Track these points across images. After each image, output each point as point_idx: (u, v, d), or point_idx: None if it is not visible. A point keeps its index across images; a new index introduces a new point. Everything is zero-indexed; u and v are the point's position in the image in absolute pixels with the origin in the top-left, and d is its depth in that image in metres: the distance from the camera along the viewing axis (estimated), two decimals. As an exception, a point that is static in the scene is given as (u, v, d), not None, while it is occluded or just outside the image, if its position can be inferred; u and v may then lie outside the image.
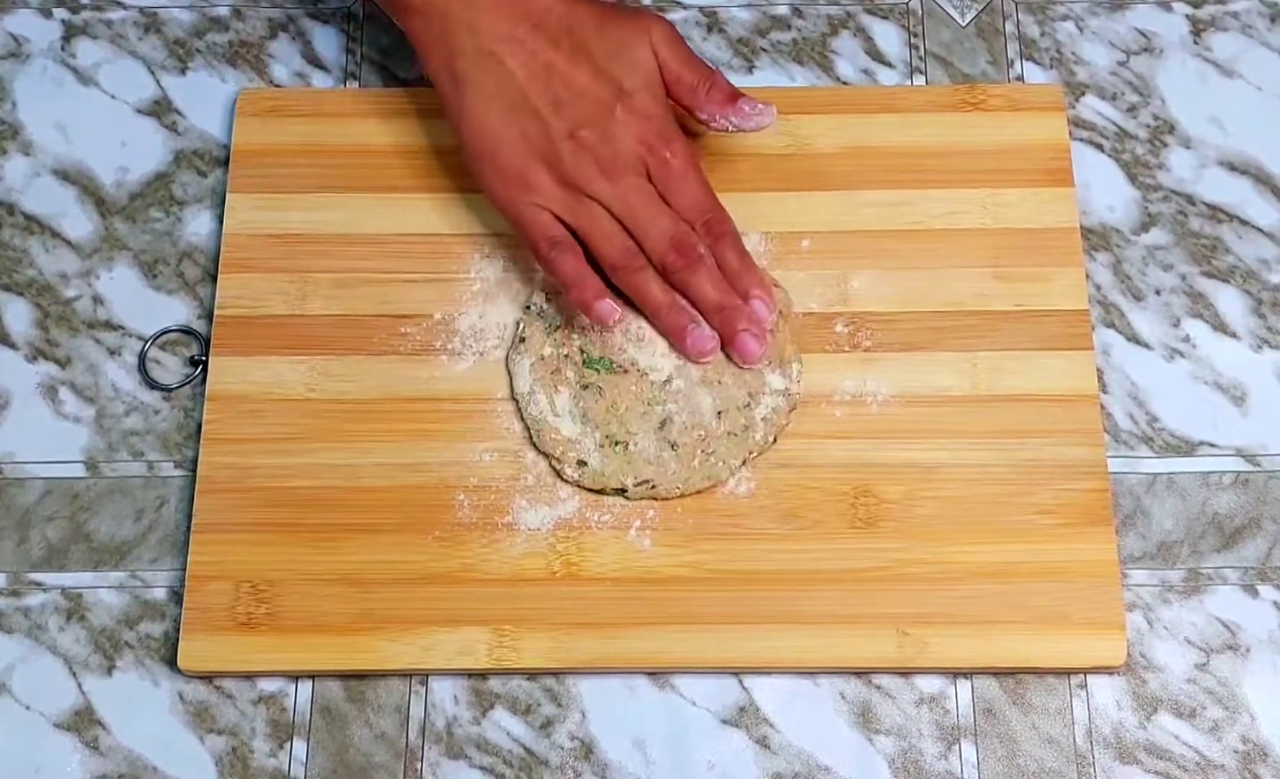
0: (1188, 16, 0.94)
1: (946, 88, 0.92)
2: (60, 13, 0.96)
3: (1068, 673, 0.80)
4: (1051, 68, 0.93)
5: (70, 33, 0.96)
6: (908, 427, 0.83)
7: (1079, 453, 0.82)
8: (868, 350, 0.85)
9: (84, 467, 0.85)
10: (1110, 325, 0.87)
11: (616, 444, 0.82)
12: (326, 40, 0.95)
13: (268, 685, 0.81)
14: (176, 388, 0.87)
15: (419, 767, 0.79)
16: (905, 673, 0.80)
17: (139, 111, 0.94)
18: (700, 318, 0.83)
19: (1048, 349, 0.84)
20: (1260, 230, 0.89)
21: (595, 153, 0.82)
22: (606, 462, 0.82)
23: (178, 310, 0.89)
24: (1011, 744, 0.79)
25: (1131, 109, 0.92)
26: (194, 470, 0.84)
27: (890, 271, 0.86)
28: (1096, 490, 0.81)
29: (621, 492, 0.82)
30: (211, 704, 0.81)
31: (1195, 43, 0.94)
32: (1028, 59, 0.94)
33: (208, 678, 0.81)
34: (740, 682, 0.81)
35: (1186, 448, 0.85)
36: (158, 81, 0.94)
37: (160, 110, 0.94)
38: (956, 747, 0.79)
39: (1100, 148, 0.91)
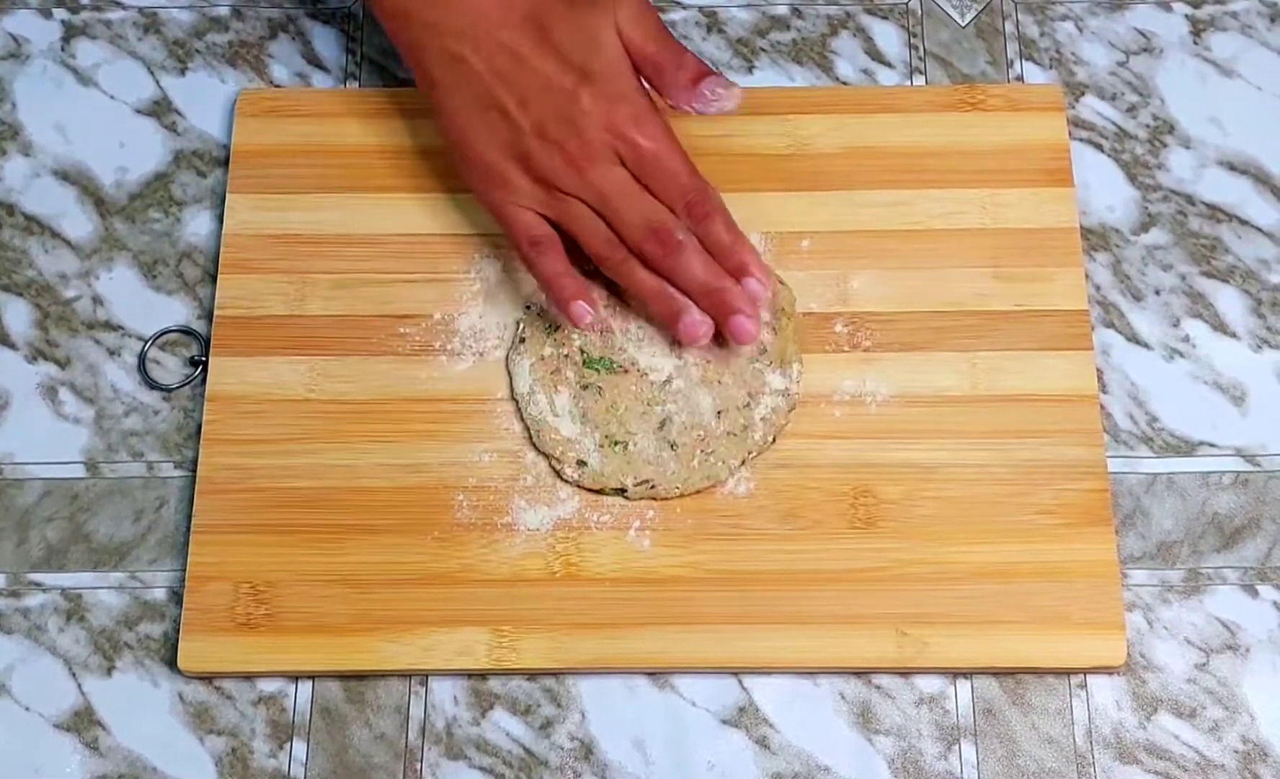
0: (1187, 16, 0.94)
1: (946, 88, 0.92)
2: (60, 13, 0.96)
3: (1068, 673, 0.80)
4: (1051, 68, 0.93)
5: (70, 33, 0.96)
6: (907, 427, 0.83)
7: (1079, 453, 0.82)
8: (867, 350, 0.85)
9: (84, 467, 0.85)
10: (1110, 325, 0.87)
11: (616, 444, 0.82)
12: (326, 40, 0.95)
13: (267, 686, 0.81)
14: (176, 388, 0.87)
15: (419, 767, 0.79)
16: (905, 673, 0.80)
17: (138, 112, 0.94)
18: (690, 303, 0.81)
19: (1047, 349, 0.84)
20: (1260, 230, 0.89)
21: (563, 146, 0.80)
22: (606, 462, 0.82)
23: (178, 311, 0.89)
24: (1011, 744, 0.79)
25: (1131, 109, 0.92)
26: (194, 471, 0.84)
27: (890, 271, 0.86)
28: (1096, 490, 0.81)
29: (621, 492, 0.82)
30: (211, 705, 0.81)
31: (1195, 43, 0.94)
32: (1027, 59, 0.94)
33: (207, 678, 0.81)
34: (740, 682, 0.81)
35: (1186, 448, 0.85)
36: (157, 82, 0.94)
37: (160, 110, 0.94)
38: (956, 747, 0.79)
39: (1100, 148, 0.91)
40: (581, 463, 0.82)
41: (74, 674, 0.81)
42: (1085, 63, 0.93)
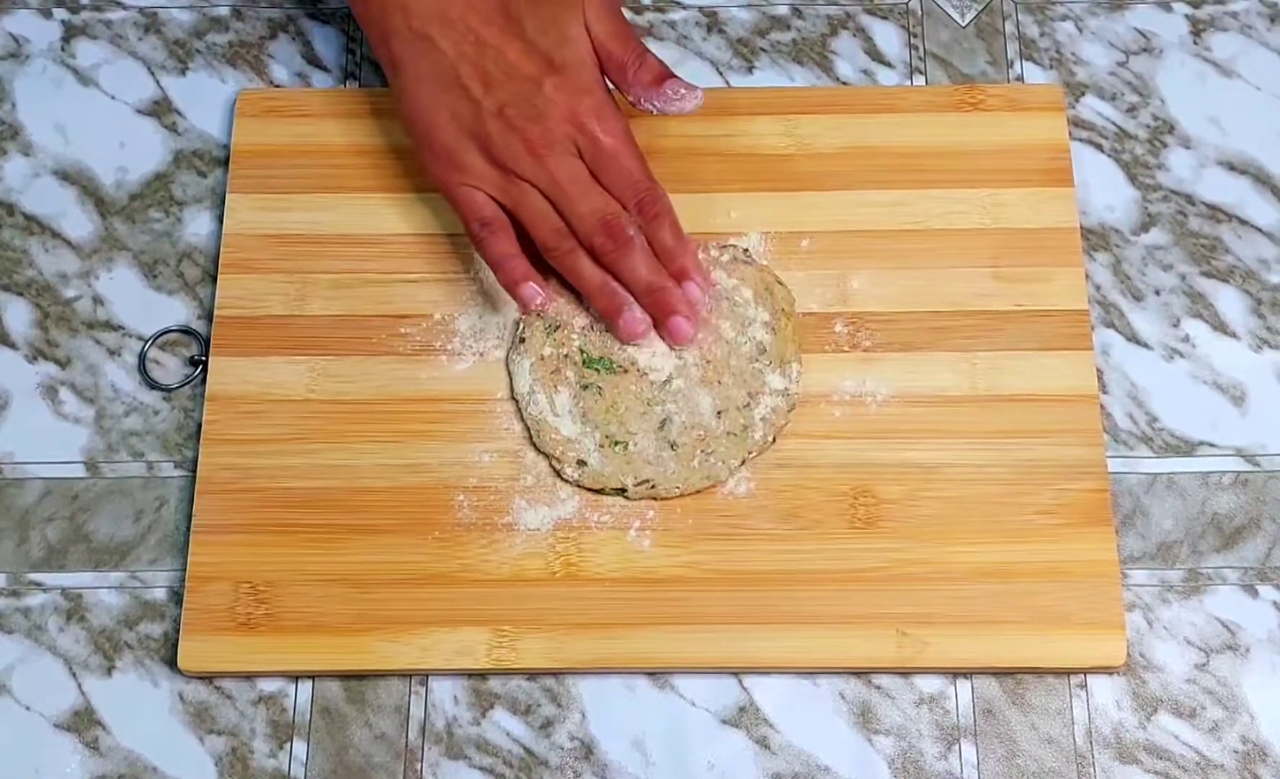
0: (1187, 16, 0.94)
1: (946, 88, 0.92)
2: (60, 13, 0.96)
3: (1068, 673, 0.80)
4: (1051, 68, 0.93)
5: (70, 33, 0.96)
6: (907, 426, 0.83)
7: (1079, 453, 0.82)
8: (867, 350, 0.85)
9: (84, 467, 0.85)
10: (1110, 325, 0.87)
11: (616, 444, 0.82)
12: (326, 40, 0.95)
13: (267, 686, 0.81)
14: (176, 388, 0.87)
15: (419, 767, 0.79)
16: (905, 673, 0.80)
17: (139, 112, 0.94)
18: (632, 300, 0.82)
19: (1047, 349, 0.84)
20: (1260, 230, 0.89)
21: (523, 131, 0.81)
22: (606, 461, 0.82)
23: (178, 310, 0.89)
24: (1011, 744, 0.79)
25: (1131, 109, 0.92)
26: (194, 471, 0.84)
27: (890, 271, 0.86)
28: (1096, 490, 0.81)
29: (621, 491, 0.82)
30: (211, 704, 0.81)
31: (1195, 43, 0.94)
32: (1027, 59, 0.94)
33: (208, 678, 0.81)
34: (740, 682, 0.81)
35: (1186, 448, 0.85)
36: (157, 82, 0.94)
37: (160, 110, 0.94)
38: (956, 747, 0.79)
39: (1100, 148, 0.91)
40: (582, 463, 0.82)
41: (74, 674, 0.81)
42: (1085, 63, 0.93)
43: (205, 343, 0.87)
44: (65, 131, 0.93)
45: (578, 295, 0.85)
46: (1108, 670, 0.80)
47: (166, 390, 0.87)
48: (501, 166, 0.82)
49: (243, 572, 0.81)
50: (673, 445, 0.82)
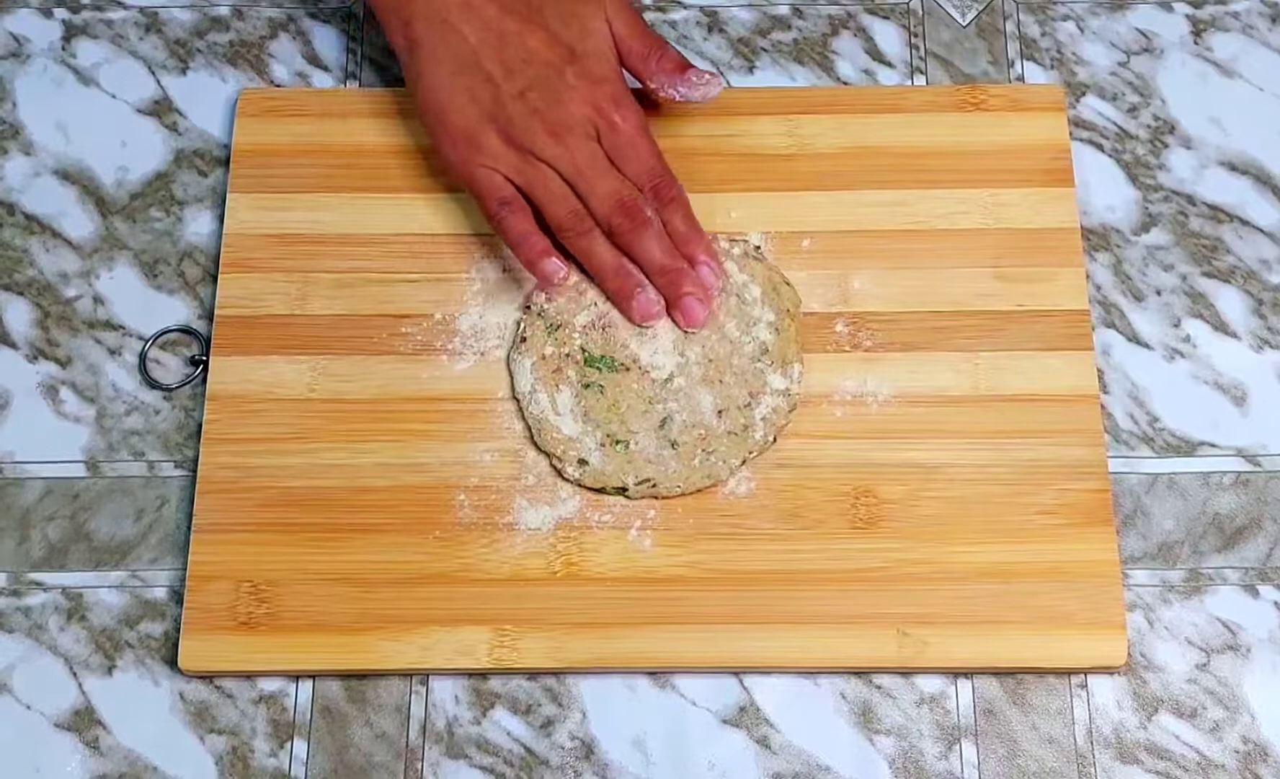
0: (1188, 17, 0.94)
1: (947, 88, 0.92)
2: (60, 13, 0.96)
3: (1068, 673, 0.80)
4: (1052, 68, 0.93)
5: (70, 33, 0.96)
6: (908, 426, 0.83)
7: (1079, 453, 0.82)
8: (868, 350, 0.85)
9: (84, 466, 0.85)
10: (1110, 325, 0.87)
11: (618, 443, 0.82)
12: (326, 40, 0.95)
13: (268, 685, 0.81)
14: (177, 388, 0.87)
15: (419, 767, 0.79)
16: (905, 673, 0.80)
17: (139, 111, 0.94)
18: (646, 281, 0.83)
19: (1048, 349, 0.84)
20: (1260, 230, 0.89)
21: (544, 114, 0.82)
22: (607, 460, 0.82)
23: (178, 310, 0.89)
24: (1012, 744, 0.79)
25: (1132, 109, 0.92)
26: (194, 470, 0.84)
27: (891, 271, 0.86)
28: (1097, 490, 0.81)
29: (622, 491, 0.82)
30: (211, 704, 0.81)
31: (1195, 43, 0.94)
32: (1028, 59, 0.94)
33: (208, 678, 0.81)
34: (740, 682, 0.81)
35: (1187, 448, 0.85)
36: (158, 81, 0.94)
37: (160, 110, 0.94)
38: (957, 747, 0.79)
39: (1100, 148, 0.91)
40: (583, 462, 0.82)
41: (74, 673, 0.81)
42: (1086, 63, 0.93)
43: (206, 342, 0.87)
44: (66, 131, 0.93)
45: (580, 291, 0.85)
46: (1108, 670, 0.80)
47: (167, 390, 0.87)
48: (520, 148, 0.83)
49: (243, 571, 0.81)
50: (673, 444, 0.82)
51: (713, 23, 0.95)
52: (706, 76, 0.85)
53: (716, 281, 0.84)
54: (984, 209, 0.88)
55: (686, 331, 0.84)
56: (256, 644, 0.80)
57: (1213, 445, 0.85)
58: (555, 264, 0.83)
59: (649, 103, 0.87)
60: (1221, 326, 0.87)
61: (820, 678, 0.80)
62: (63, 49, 0.95)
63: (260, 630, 0.80)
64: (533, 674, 0.81)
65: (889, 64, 0.94)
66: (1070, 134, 0.90)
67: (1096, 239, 0.89)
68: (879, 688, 0.80)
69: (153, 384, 0.87)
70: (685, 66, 0.85)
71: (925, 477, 0.82)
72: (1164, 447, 0.85)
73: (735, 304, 0.85)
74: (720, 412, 0.83)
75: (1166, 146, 0.91)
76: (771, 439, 0.83)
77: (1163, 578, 0.82)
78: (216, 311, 0.86)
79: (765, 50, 0.94)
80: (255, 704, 0.81)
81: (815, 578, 0.80)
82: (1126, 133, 0.92)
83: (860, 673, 0.80)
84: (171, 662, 0.81)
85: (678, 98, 0.85)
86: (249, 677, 0.81)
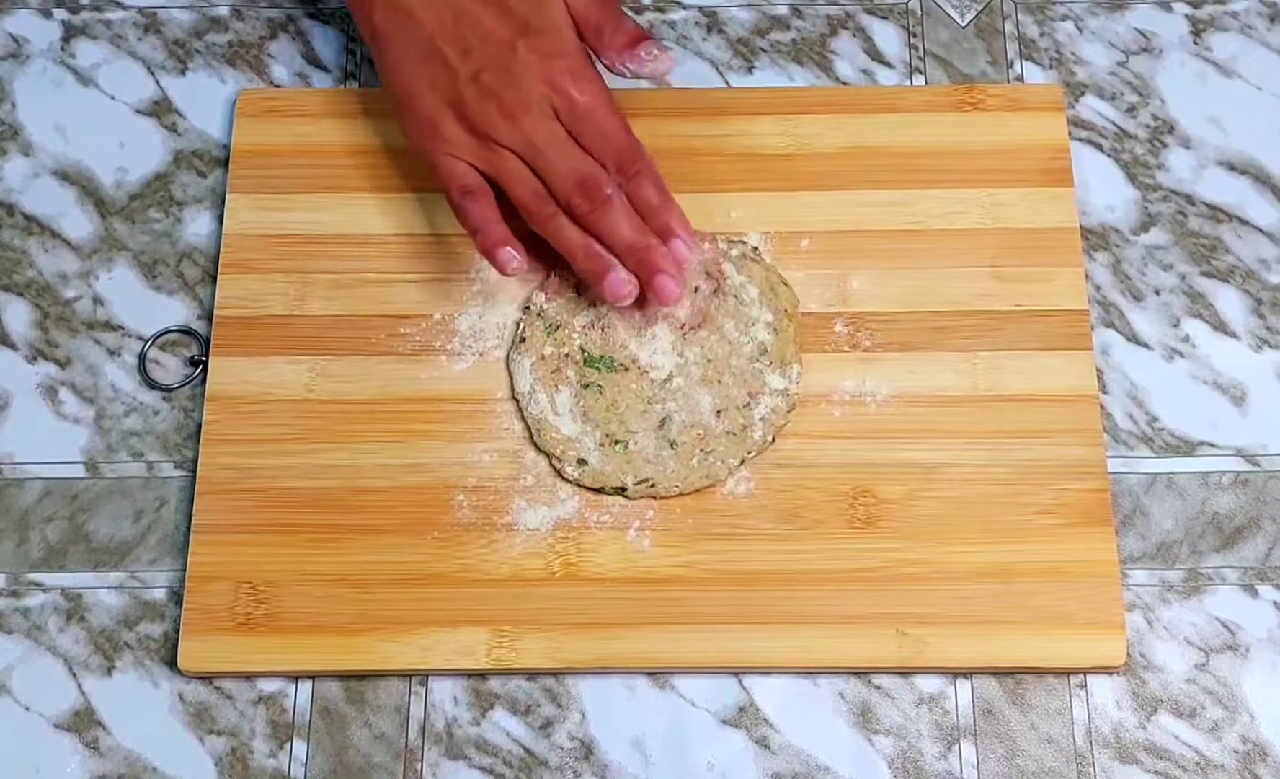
0: (1187, 16, 0.94)
1: (946, 88, 0.92)
2: (60, 13, 0.96)
3: (1067, 673, 0.80)
4: (1051, 68, 0.93)
5: (70, 33, 0.96)
6: (907, 426, 0.83)
7: (1079, 453, 0.82)
8: (867, 350, 0.85)
9: (84, 467, 0.85)
10: (1110, 325, 0.87)
11: (617, 443, 0.82)
12: (326, 40, 0.95)
13: (267, 686, 0.81)
14: (176, 388, 0.87)
15: (419, 767, 0.79)
16: (905, 673, 0.80)
17: (138, 112, 0.94)
18: (616, 262, 0.81)
19: (1047, 349, 0.84)
20: (1260, 230, 0.89)
21: (499, 96, 0.81)
22: (606, 460, 0.82)
23: (178, 310, 0.89)
24: (1011, 744, 0.79)
25: (1131, 109, 0.92)
26: (194, 471, 0.84)
27: (890, 271, 0.86)
28: (1096, 490, 0.81)
29: (621, 490, 0.82)
30: (211, 705, 0.81)
31: (1195, 43, 0.94)
32: (1027, 59, 0.94)
33: (207, 678, 0.81)
34: (740, 682, 0.81)
35: (1186, 448, 0.85)
36: (157, 82, 0.94)
37: (160, 111, 0.94)
38: (956, 747, 0.79)
39: (1100, 148, 0.91)
40: (582, 462, 0.82)
41: (74, 674, 0.81)
42: (1085, 63, 0.93)
43: (205, 343, 0.87)
44: (65, 131, 0.93)
45: (577, 293, 0.85)
46: (1108, 670, 0.80)
47: (166, 390, 0.87)
48: (480, 133, 0.81)
49: (243, 572, 0.81)
50: (672, 444, 0.82)
51: (712, 23, 0.95)
52: (656, 51, 0.82)
53: (689, 255, 0.81)
54: (983, 209, 0.88)
55: (660, 312, 0.83)
56: (256, 645, 0.80)
57: (1212, 445, 0.85)
58: (509, 253, 0.81)
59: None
60: (1221, 326, 0.87)
61: (819, 678, 0.80)
62: (62, 49, 0.95)
63: (259, 631, 0.80)
64: (532, 675, 0.81)
65: (888, 64, 0.94)
66: (1069, 134, 0.90)
67: (1095, 239, 0.89)
68: (878, 688, 0.80)
69: (152, 385, 0.87)
70: (639, 39, 0.82)
71: (924, 477, 0.82)
72: (1163, 446, 0.85)
73: (733, 304, 0.85)
74: (719, 412, 0.83)
75: (1165, 146, 0.91)
76: (770, 439, 0.83)
77: (1162, 578, 0.82)
78: (216, 312, 0.86)
79: (764, 50, 0.94)
80: (254, 705, 0.81)
81: (814, 578, 0.80)
82: (1125, 132, 0.92)
83: (859, 673, 0.80)
84: (171, 662, 0.81)
85: (627, 75, 0.82)
86: (248, 677, 0.81)
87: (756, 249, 0.87)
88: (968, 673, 0.80)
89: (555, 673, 0.81)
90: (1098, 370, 0.85)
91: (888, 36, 0.94)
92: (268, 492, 0.83)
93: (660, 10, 0.96)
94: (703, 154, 0.89)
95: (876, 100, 0.91)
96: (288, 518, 0.82)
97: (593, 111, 0.81)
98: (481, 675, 0.81)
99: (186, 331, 0.88)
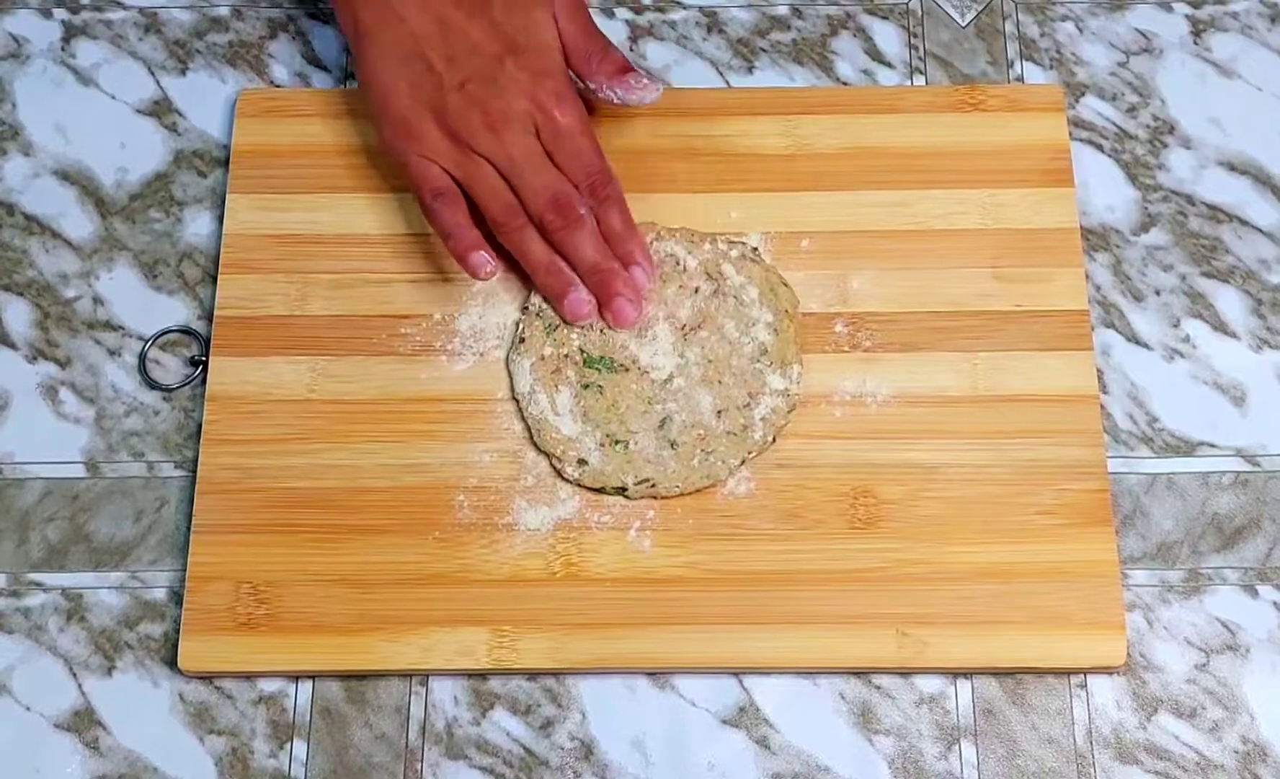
0: (1188, 17, 0.94)
1: (946, 88, 0.92)
2: (60, 13, 0.96)
3: (1068, 673, 0.80)
4: (1051, 68, 0.93)
5: (70, 33, 0.96)
6: (907, 427, 0.83)
7: (1079, 453, 0.82)
8: (867, 350, 0.85)
9: (84, 467, 0.85)
10: (1110, 325, 0.87)
11: (617, 443, 0.82)
12: (326, 40, 0.95)
13: (268, 686, 0.81)
14: (176, 388, 0.87)
15: (419, 767, 0.79)
16: (905, 673, 0.80)
17: (139, 112, 0.94)
18: (578, 281, 0.83)
19: (1047, 349, 0.84)
20: (1260, 230, 0.89)
21: (483, 106, 0.82)
22: (607, 460, 0.82)
23: (178, 311, 0.89)
24: (1011, 744, 0.79)
25: (1131, 109, 0.92)
26: (194, 471, 0.84)
27: (890, 272, 0.86)
28: (1096, 491, 0.81)
29: (622, 491, 0.82)
30: (211, 705, 0.81)
31: (1195, 43, 0.94)
32: (1028, 59, 0.94)
33: (208, 678, 0.81)
34: (740, 682, 0.81)
35: (1186, 448, 0.85)
36: (157, 82, 0.94)
37: (160, 111, 0.94)
38: (956, 747, 0.79)
39: (1100, 148, 0.91)
40: (582, 462, 0.82)
41: (74, 674, 0.81)
42: (1085, 63, 0.93)
43: (205, 343, 0.87)
44: (65, 131, 0.93)
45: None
46: (1108, 670, 0.80)
47: (167, 390, 0.87)
48: (458, 140, 0.82)
49: (243, 572, 0.81)
50: (673, 444, 0.82)
51: (712, 23, 0.95)
52: (644, 81, 0.84)
53: (648, 283, 0.84)
54: (983, 209, 0.88)
55: (660, 313, 0.84)
56: (256, 645, 0.80)
57: (1212, 445, 0.85)
58: (483, 258, 0.82)
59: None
60: (1221, 326, 0.87)
61: (820, 678, 0.81)
62: (62, 49, 0.95)
63: (260, 631, 0.80)
64: (532, 675, 0.81)
65: (888, 64, 0.94)
66: (1069, 134, 0.90)
67: (1096, 239, 0.89)
68: (878, 688, 0.80)
69: (152, 385, 0.87)
70: (626, 69, 0.84)
71: (924, 477, 0.82)
72: (1163, 447, 0.85)
73: (734, 305, 0.85)
74: (719, 412, 0.83)
75: (1166, 147, 0.91)
76: (770, 439, 0.83)
77: (1162, 578, 0.82)
78: (216, 312, 0.86)
79: (764, 51, 0.94)
80: (255, 705, 0.81)
81: (814, 578, 0.80)
82: (1126, 133, 0.92)
83: (859, 673, 0.80)
84: (171, 662, 0.81)
85: (615, 100, 0.84)
86: (249, 677, 0.81)
87: (756, 249, 0.87)
88: (968, 673, 0.80)
89: (556, 673, 0.81)
90: (1098, 370, 0.85)
91: (888, 37, 0.95)
92: (268, 492, 0.83)
93: (660, 10, 0.96)
94: (703, 154, 0.89)
95: (877, 100, 0.91)
96: (288, 518, 0.82)
97: (572, 133, 0.83)
98: (482, 675, 0.81)
99: (187, 331, 0.88)
